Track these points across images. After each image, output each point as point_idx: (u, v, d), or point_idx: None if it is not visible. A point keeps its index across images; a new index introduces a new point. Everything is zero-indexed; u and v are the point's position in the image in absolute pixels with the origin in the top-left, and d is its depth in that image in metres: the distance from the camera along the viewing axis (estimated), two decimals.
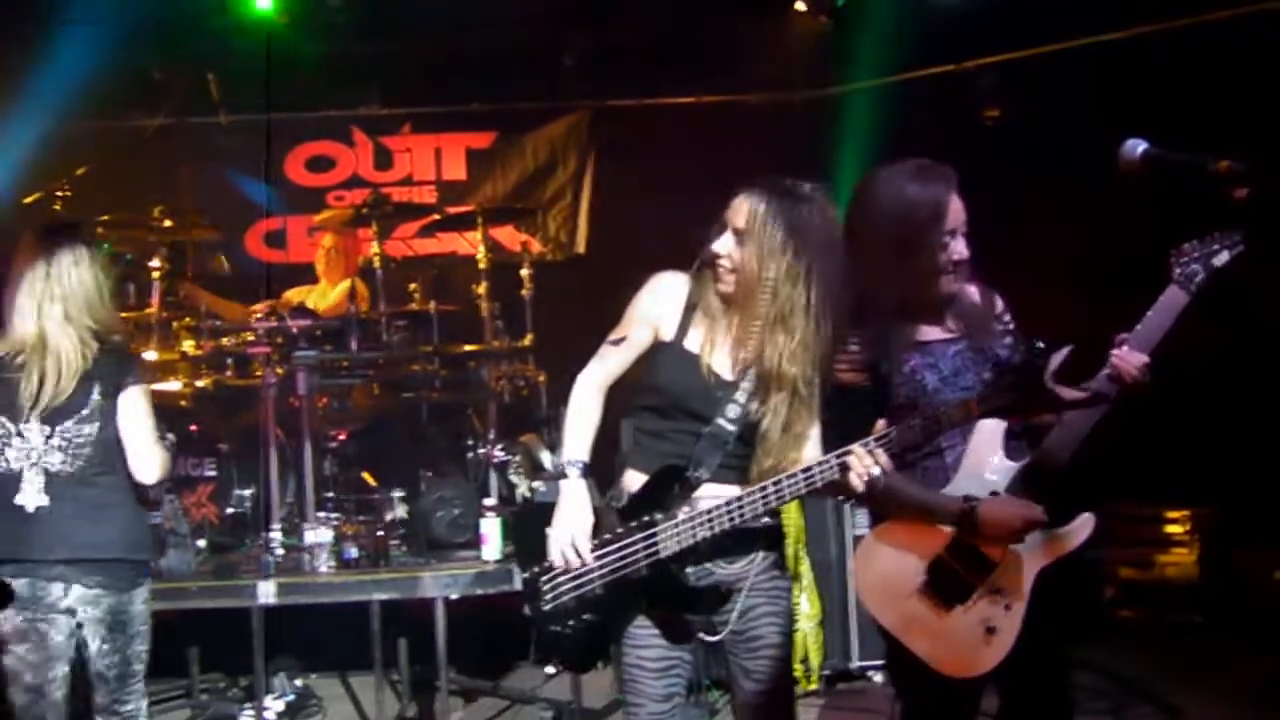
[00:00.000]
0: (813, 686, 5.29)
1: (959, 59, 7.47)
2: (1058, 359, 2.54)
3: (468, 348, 6.55)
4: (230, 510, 5.97)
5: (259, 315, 6.26)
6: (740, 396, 2.85)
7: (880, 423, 2.72)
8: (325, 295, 7.05)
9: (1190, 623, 6.27)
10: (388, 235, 6.89)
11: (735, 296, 2.86)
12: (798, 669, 5.20)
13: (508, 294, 6.71)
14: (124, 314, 5.55)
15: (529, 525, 3.05)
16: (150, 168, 7.62)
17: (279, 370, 5.96)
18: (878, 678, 5.44)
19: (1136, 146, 2.74)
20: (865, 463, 2.63)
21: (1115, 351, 2.72)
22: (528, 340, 6.65)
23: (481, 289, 6.56)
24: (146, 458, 3.57)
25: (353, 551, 5.45)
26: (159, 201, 6.46)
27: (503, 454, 6.15)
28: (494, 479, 6.10)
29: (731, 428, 2.85)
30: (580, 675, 4.95)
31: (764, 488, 2.73)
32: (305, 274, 7.35)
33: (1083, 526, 2.83)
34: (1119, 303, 2.87)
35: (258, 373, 6.09)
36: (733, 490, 2.80)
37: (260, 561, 5.32)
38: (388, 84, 8.16)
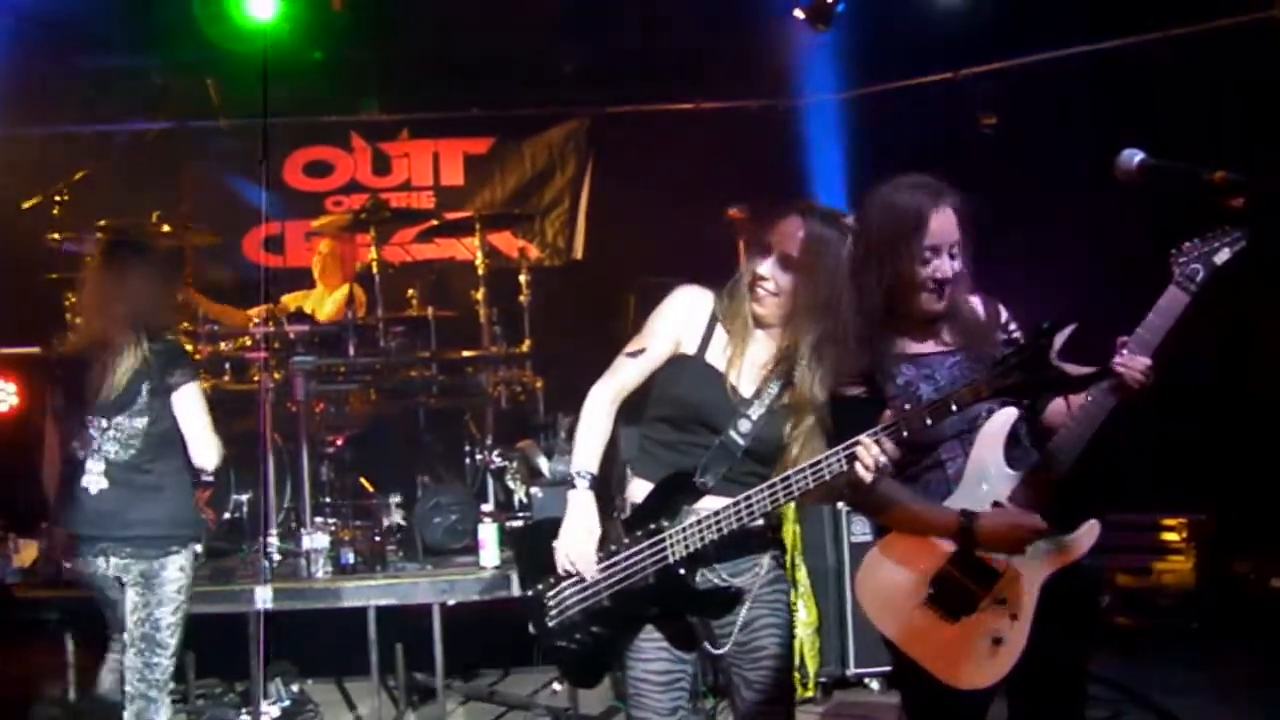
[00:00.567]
0: (809, 694, 5.28)
1: (957, 66, 7.48)
2: (1062, 336, 2.54)
3: (465, 353, 6.56)
4: (227, 515, 5.97)
5: (257, 321, 6.27)
6: (754, 412, 2.87)
7: (887, 413, 2.70)
8: (322, 301, 7.05)
9: (1187, 630, 6.27)
10: (386, 240, 6.90)
11: (773, 319, 2.89)
12: (794, 676, 5.20)
13: (505, 300, 6.72)
14: None
15: (529, 543, 3.05)
16: (149, 172, 7.61)
17: (276, 375, 5.96)
18: (874, 685, 5.44)
19: (1133, 156, 2.74)
20: (873, 452, 2.63)
21: (1118, 357, 2.71)
22: (525, 346, 6.65)
23: (479, 295, 6.58)
24: (205, 446, 3.97)
25: (350, 557, 5.45)
26: (158, 206, 6.47)
27: (500, 460, 6.16)
28: (491, 485, 6.10)
29: (742, 442, 2.87)
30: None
31: (772, 484, 2.74)
32: (303, 279, 7.36)
33: (1087, 534, 2.81)
34: (1118, 306, 2.87)
35: (255, 378, 6.10)
36: None
37: (257, 567, 5.32)
38: (386, 89, 8.17)
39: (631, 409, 3.04)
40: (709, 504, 2.84)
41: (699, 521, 2.80)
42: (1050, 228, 6.54)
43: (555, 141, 8.45)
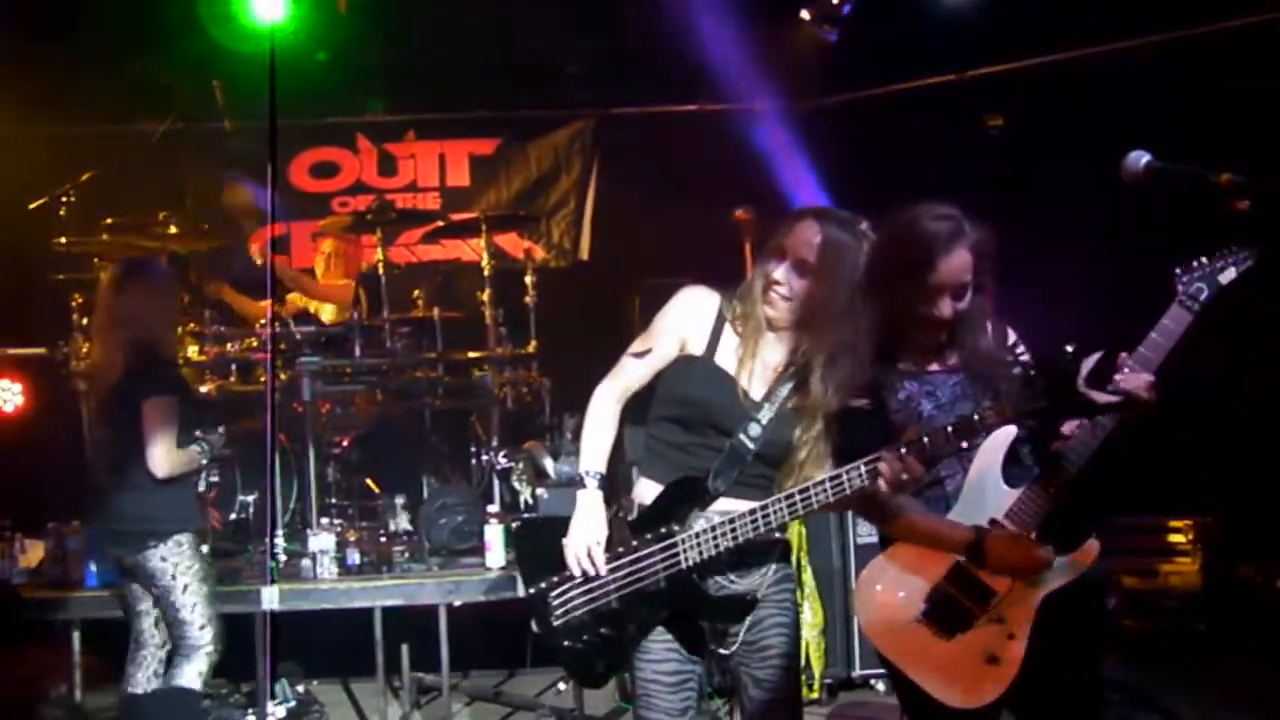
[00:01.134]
0: (815, 695, 5.28)
1: (963, 68, 7.47)
2: (1088, 364, 2.52)
3: (471, 354, 6.56)
4: (233, 516, 5.98)
5: (263, 322, 6.28)
6: (764, 416, 2.86)
7: (912, 429, 2.70)
8: (324, 301, 7.06)
9: (1193, 631, 6.26)
10: (391, 242, 6.90)
11: (785, 324, 2.87)
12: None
13: (511, 301, 6.71)
14: None
15: (532, 541, 3.06)
16: (155, 173, 7.62)
17: (283, 376, 5.97)
18: (880, 686, 5.43)
19: (1140, 158, 2.74)
20: (895, 469, 2.62)
21: (1119, 376, 2.68)
22: (531, 347, 6.66)
23: (485, 296, 6.57)
24: (154, 459, 4.20)
25: (355, 558, 5.45)
26: (164, 206, 6.48)
27: (506, 460, 6.15)
28: (497, 485, 6.10)
29: (752, 446, 2.85)
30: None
31: (790, 495, 2.73)
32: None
33: (1087, 553, 2.79)
34: (1123, 308, 2.85)
35: (261, 378, 6.10)
36: (745, 506, 2.80)
37: (263, 567, 5.32)
38: (392, 91, 8.18)
39: (634, 410, 3.04)
40: (720, 507, 2.83)
41: (714, 528, 2.78)
42: (1056, 229, 6.53)
43: (561, 143, 8.46)
